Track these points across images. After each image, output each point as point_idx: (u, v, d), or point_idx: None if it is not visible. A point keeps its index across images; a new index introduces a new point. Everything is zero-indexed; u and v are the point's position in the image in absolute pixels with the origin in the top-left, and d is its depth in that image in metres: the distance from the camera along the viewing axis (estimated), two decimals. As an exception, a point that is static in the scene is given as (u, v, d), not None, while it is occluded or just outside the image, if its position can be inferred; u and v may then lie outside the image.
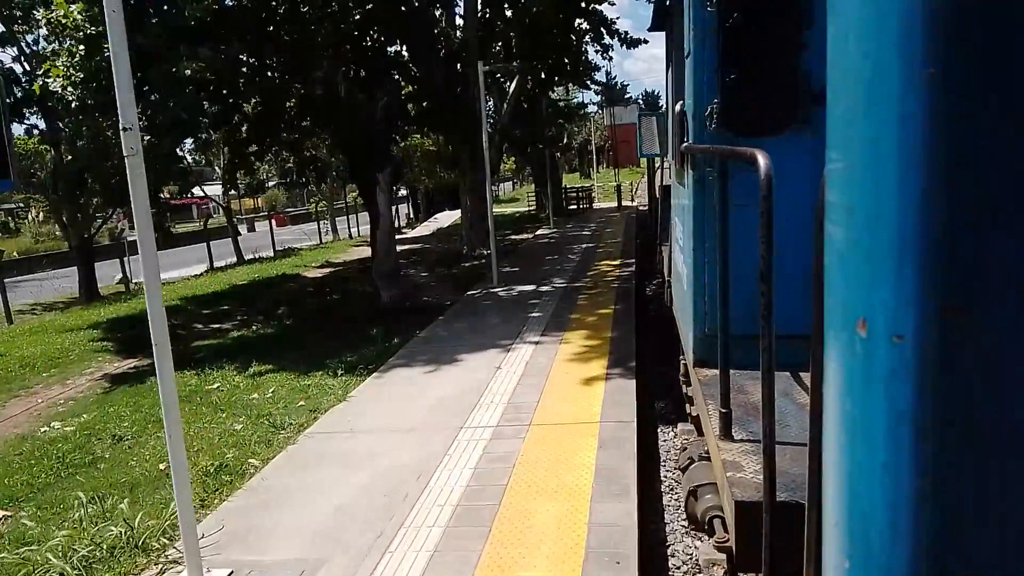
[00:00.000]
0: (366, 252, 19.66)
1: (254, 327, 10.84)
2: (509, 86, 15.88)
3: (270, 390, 6.85)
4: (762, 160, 2.01)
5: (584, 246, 15.37)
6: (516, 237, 19.24)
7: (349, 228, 30.42)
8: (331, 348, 8.27)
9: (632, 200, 30.48)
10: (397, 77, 12.11)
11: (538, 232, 19.29)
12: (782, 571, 2.03)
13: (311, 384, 6.79)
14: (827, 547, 0.86)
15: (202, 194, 30.96)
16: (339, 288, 13.99)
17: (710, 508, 2.89)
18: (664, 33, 5.28)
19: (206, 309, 12.86)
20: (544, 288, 10.71)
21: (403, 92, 14.00)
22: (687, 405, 4.49)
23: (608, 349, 6.90)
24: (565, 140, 34.48)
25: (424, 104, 14.72)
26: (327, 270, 16.92)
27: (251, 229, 41.89)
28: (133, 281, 19.64)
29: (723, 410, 2.73)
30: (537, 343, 7.44)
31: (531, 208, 26.32)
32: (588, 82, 23.55)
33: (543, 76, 22.19)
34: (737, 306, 2.70)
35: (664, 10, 4.76)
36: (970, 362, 0.69)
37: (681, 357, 4.82)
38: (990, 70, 0.66)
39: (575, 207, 25.87)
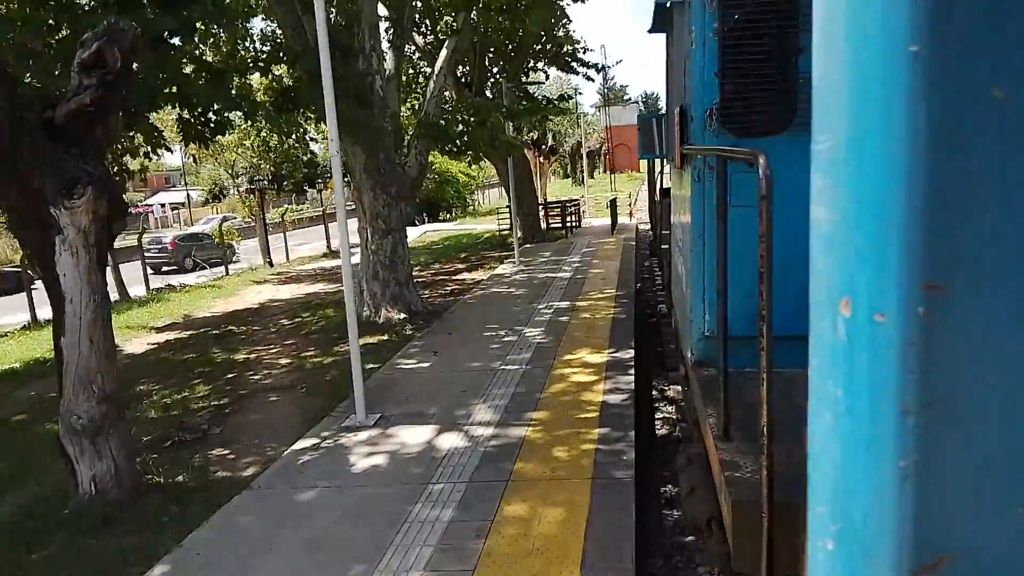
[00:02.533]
0: (280, 292, 14.10)
1: None
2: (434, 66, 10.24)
3: None
4: (761, 161, 2.07)
5: (550, 313, 9.73)
6: (465, 278, 13.62)
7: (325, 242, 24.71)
8: None
9: (631, 215, 24.79)
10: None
11: (496, 272, 13.65)
12: (780, 571, 2.07)
13: None
14: (812, 531, 0.85)
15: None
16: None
17: (708, 509, 2.92)
18: (664, 35, 5.28)
19: None
20: (453, 442, 5.08)
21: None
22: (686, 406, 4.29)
23: None
24: (550, 142, 28.75)
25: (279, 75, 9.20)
26: (147, 343, 11.31)
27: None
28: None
29: (722, 411, 2.75)
30: None
31: (503, 228, 20.71)
32: (574, 64, 17.99)
33: (509, 51, 16.67)
34: (736, 307, 2.70)
35: (663, 12, 4.67)
36: (953, 340, 0.71)
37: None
38: (973, 48, 0.67)
39: (559, 225, 20.23)
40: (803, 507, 0.92)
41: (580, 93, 24.40)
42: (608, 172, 47.03)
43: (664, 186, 8.90)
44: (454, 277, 13.97)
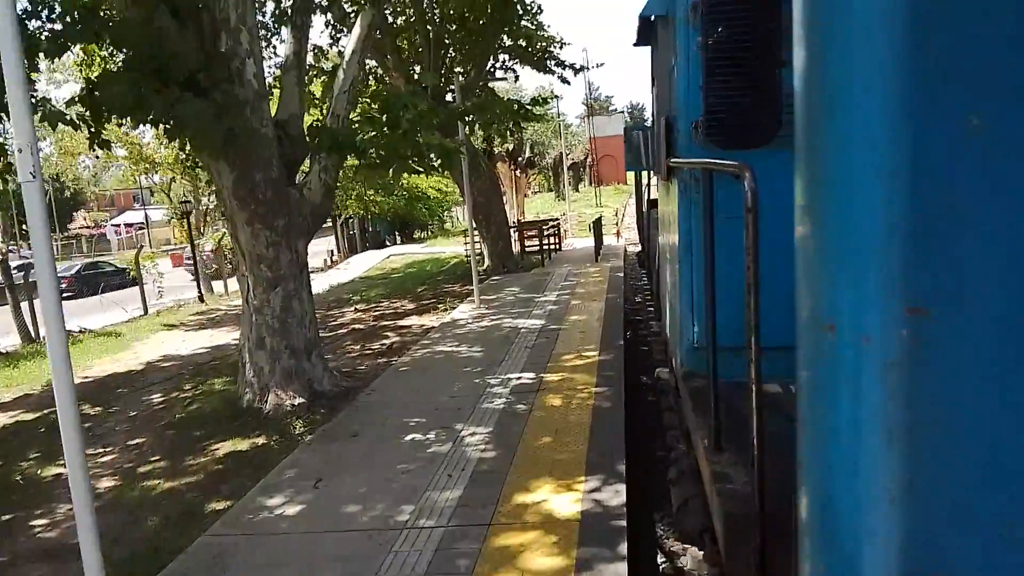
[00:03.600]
0: (186, 343, 10.95)
1: None
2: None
3: None
4: (747, 173, 2.07)
5: (506, 394, 6.99)
6: (412, 325, 10.85)
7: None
8: None
9: (618, 235, 22.13)
10: None
11: (451, 316, 10.88)
12: None
13: None
14: (801, 548, 0.89)
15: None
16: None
17: (700, 521, 2.90)
18: (649, 48, 5.24)
19: None
20: None
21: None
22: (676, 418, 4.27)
23: None
24: (527, 153, 26.08)
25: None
26: None
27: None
28: None
29: (713, 422, 2.71)
30: None
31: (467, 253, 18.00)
32: (549, 64, 15.39)
33: (465, 44, 14.08)
34: (725, 318, 2.66)
35: (648, 26, 4.63)
36: (936, 363, 0.71)
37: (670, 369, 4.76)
38: (952, 78, 0.68)
39: (535, 248, 17.50)
40: (794, 524, 0.96)
41: (558, 97, 21.76)
42: (593, 185, 44.45)
43: (651, 197, 8.51)
44: (400, 323, 11.21)
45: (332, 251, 30.18)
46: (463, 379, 7.15)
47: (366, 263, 24.08)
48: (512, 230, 19.20)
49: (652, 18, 4.38)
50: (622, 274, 13.33)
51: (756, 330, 2.06)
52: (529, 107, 16.32)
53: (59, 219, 48.77)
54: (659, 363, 6.43)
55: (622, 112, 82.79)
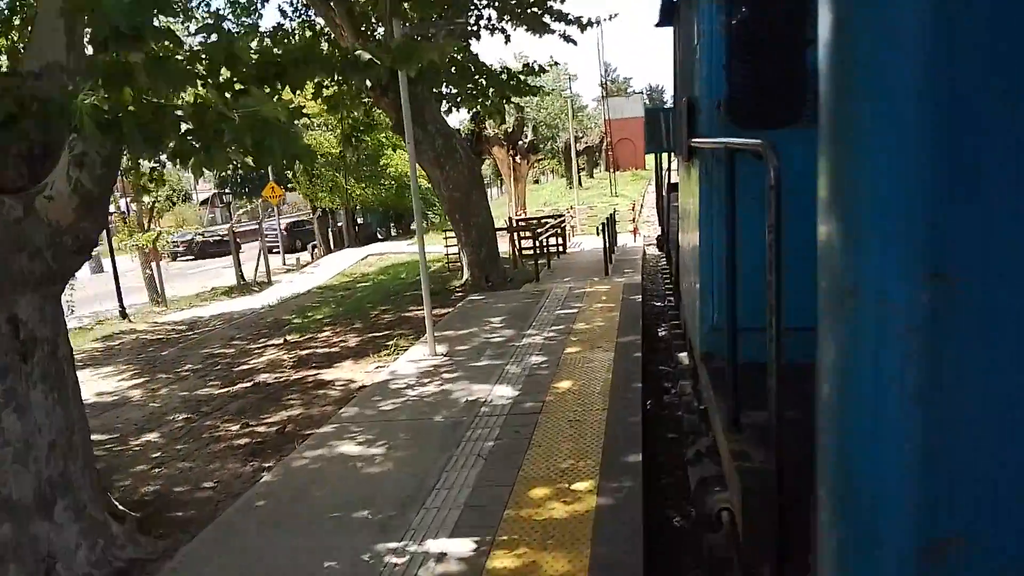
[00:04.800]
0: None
1: None
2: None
3: None
4: (770, 152, 2.07)
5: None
6: (338, 380, 7.48)
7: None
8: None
9: (635, 232, 18.57)
10: None
11: (390, 371, 7.44)
12: (791, 561, 2.03)
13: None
14: (820, 513, 0.87)
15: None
16: None
17: (718, 501, 2.86)
18: (671, 28, 5.20)
19: None
20: None
21: None
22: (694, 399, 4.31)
23: None
24: (528, 136, 22.40)
25: None
26: None
27: (98, 268, 30.29)
28: None
29: (732, 402, 2.70)
30: None
31: (452, 254, 14.54)
32: (544, 17, 11.93)
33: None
34: (745, 299, 2.64)
35: (671, 6, 4.74)
36: (958, 328, 0.72)
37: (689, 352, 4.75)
38: (975, 54, 0.70)
39: (531, 253, 14.09)
40: (813, 494, 0.94)
41: (556, 64, 17.61)
42: (609, 171, 40.77)
43: (672, 181, 7.99)
44: (324, 375, 7.90)
45: (314, 245, 26.89)
46: (344, 546, 3.84)
47: (339, 264, 20.71)
48: (511, 226, 15.84)
49: None
50: (640, 296, 9.90)
51: (778, 308, 2.05)
52: (522, 75, 12.93)
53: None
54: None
55: (640, 93, 78.61)
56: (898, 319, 0.73)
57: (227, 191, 55.09)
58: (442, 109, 12.93)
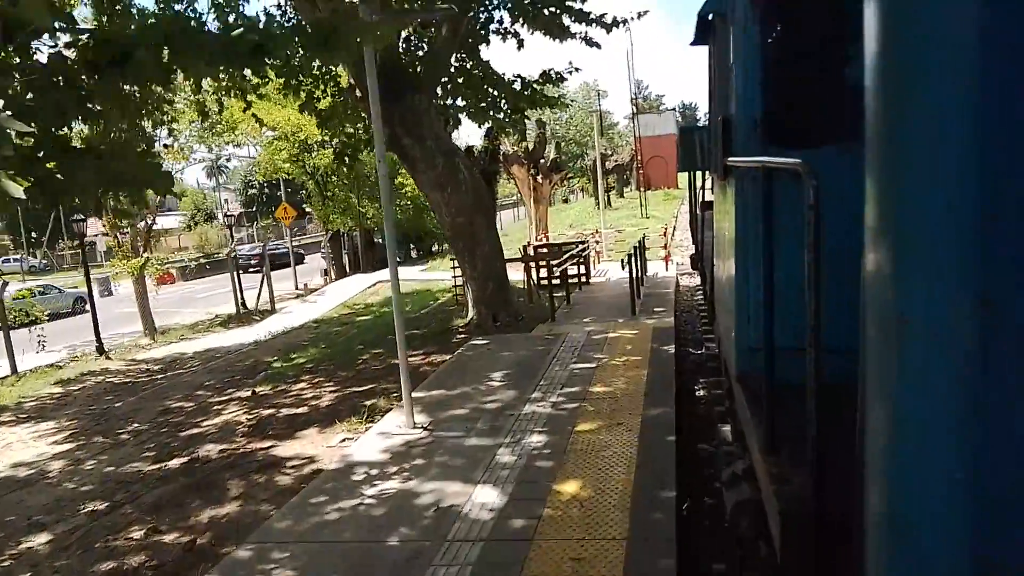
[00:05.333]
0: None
1: None
2: None
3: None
4: (808, 171, 2.03)
5: None
6: (294, 458, 5.93)
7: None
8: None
9: (667, 259, 16.85)
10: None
11: (355, 449, 5.87)
12: None
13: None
14: (869, 540, 0.86)
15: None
16: None
17: (755, 523, 2.77)
18: (707, 48, 5.04)
19: None
20: None
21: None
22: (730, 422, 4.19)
23: None
24: (551, 154, 20.86)
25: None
26: None
27: (107, 292, 29.43)
28: None
29: (768, 424, 2.65)
30: None
31: (460, 284, 13.00)
32: (563, 18, 10.43)
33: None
34: (783, 320, 2.60)
35: (706, 25, 4.60)
36: (1007, 352, 0.71)
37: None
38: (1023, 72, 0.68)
39: (545, 285, 12.49)
40: (853, 518, 0.95)
41: (577, 70, 15.95)
42: (639, 190, 39.00)
43: (705, 199, 7.35)
44: (279, 449, 6.37)
45: (325, 270, 25.62)
46: None
47: (344, 293, 19.33)
48: (527, 254, 14.28)
49: (711, 16, 4.26)
50: (672, 347, 8.22)
51: (816, 329, 2.01)
52: (538, 84, 11.42)
53: (66, 226, 45.44)
54: None
55: (672, 110, 76.63)
56: (947, 345, 0.73)
57: (252, 209, 54.52)
58: (448, 124, 11.47)
